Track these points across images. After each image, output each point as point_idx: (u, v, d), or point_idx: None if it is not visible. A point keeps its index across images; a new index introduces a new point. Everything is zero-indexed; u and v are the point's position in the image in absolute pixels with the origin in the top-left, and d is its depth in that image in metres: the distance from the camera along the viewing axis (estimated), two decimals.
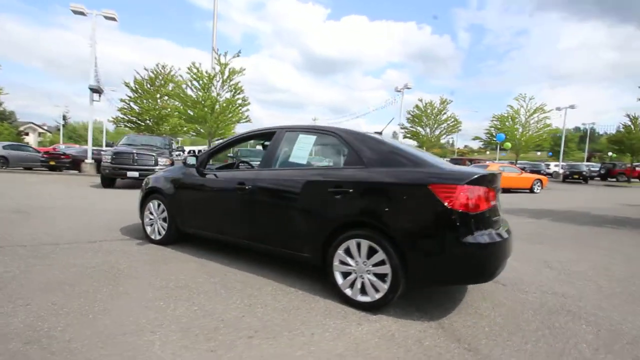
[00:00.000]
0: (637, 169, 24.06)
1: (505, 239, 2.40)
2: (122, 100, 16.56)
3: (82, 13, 14.68)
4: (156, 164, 10.72)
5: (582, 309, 2.78)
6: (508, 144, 18.92)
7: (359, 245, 2.55)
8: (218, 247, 3.92)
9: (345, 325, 2.31)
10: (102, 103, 15.34)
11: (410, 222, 2.35)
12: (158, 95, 16.74)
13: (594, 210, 9.22)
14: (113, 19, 15.63)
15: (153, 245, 3.97)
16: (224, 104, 13.18)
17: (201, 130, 14.12)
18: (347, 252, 2.61)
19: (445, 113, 18.50)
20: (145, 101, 16.44)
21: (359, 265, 2.55)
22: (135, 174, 10.23)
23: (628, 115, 23.84)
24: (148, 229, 4.12)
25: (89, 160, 15.51)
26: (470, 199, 2.28)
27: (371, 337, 2.18)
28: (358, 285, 2.56)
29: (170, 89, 16.90)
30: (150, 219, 4.11)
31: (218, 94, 13.19)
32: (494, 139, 19.67)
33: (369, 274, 2.51)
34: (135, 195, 4.56)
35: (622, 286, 3.39)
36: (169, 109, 17.12)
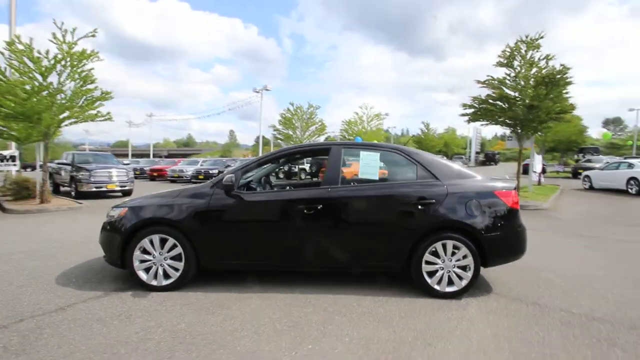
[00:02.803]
0: None
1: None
2: None
3: None
4: None
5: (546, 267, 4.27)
6: None
7: (444, 246, 3.07)
8: (239, 276, 3.47)
9: (460, 313, 2.81)
10: None
11: (485, 220, 3.07)
12: None
13: None
14: None
15: (160, 293, 3.11)
16: (68, 97, 10.05)
17: (5, 130, 10.18)
18: (434, 253, 3.08)
19: (313, 117, 20.43)
20: None
21: (445, 262, 3.07)
22: None
23: (423, 122, 33.56)
24: (143, 275, 3.16)
25: None
26: (516, 199, 3.21)
27: (486, 316, 2.78)
28: (445, 279, 3.08)
29: None
30: (144, 261, 3.16)
31: (60, 83, 9.93)
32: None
33: (454, 267, 3.07)
34: None
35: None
36: None
